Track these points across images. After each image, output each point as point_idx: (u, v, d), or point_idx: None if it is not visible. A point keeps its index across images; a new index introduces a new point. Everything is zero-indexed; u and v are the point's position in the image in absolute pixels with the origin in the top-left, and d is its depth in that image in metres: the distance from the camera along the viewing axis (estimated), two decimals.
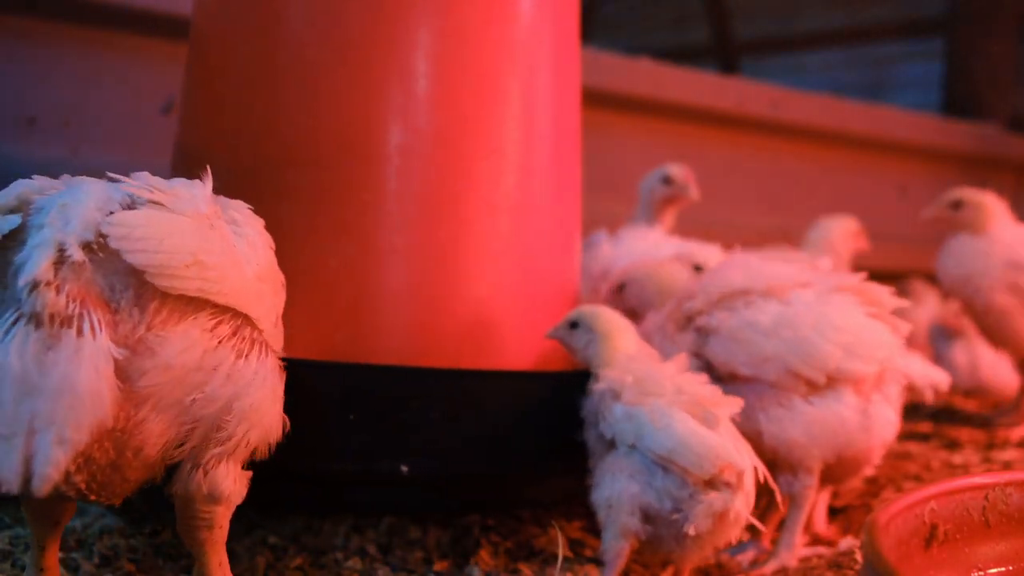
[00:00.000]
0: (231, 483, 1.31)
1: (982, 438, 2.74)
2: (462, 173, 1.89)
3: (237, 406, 1.27)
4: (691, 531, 1.52)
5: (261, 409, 1.31)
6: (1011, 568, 1.32)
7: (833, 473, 1.88)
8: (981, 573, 1.31)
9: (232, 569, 1.41)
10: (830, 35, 7.09)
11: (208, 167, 1.38)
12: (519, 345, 1.97)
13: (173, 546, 1.71)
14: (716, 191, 4.15)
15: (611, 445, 1.62)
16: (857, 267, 2.31)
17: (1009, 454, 2.55)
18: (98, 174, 1.30)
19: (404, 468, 1.70)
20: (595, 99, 3.42)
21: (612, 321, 1.77)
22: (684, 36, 7.54)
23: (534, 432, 1.81)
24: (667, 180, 2.74)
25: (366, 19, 1.84)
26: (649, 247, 2.52)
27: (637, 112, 3.87)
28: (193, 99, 2.01)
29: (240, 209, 1.40)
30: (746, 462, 1.56)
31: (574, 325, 1.79)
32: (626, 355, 1.72)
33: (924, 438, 2.72)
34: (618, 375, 1.67)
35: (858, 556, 1.78)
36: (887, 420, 1.86)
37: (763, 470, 1.60)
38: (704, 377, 1.71)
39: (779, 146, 4.39)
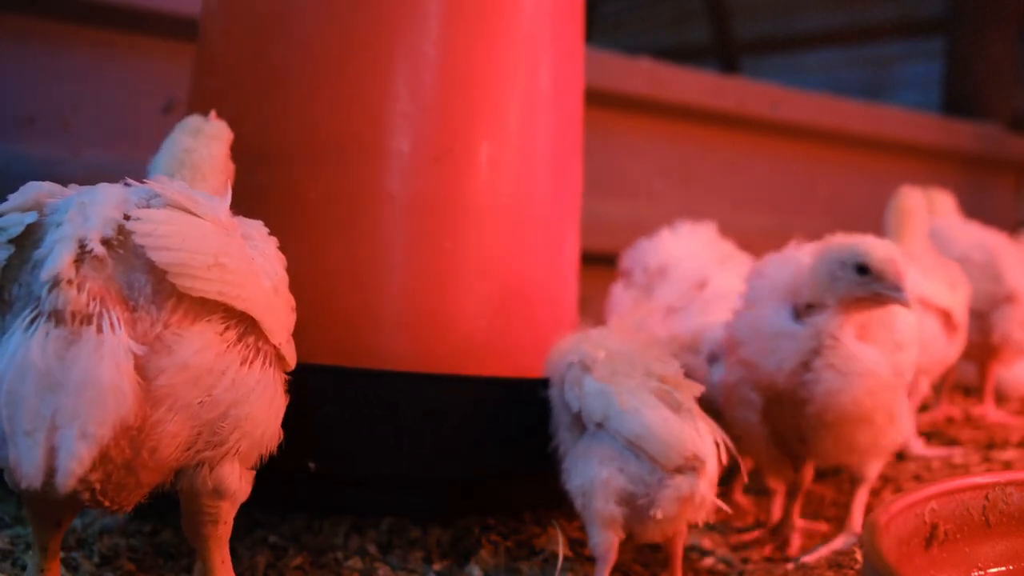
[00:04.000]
0: (236, 480, 1.31)
1: (982, 438, 2.73)
2: (463, 175, 1.89)
3: (234, 413, 1.26)
4: (659, 515, 1.53)
5: (256, 419, 1.30)
6: (1012, 568, 1.32)
7: None
8: (982, 573, 1.31)
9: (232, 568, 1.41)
10: (830, 35, 7.08)
11: (229, 184, 1.38)
12: (514, 352, 1.97)
13: (173, 546, 1.71)
14: (716, 191, 4.16)
15: (580, 426, 1.62)
16: None
17: (1009, 454, 2.55)
18: (98, 174, 1.30)
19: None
20: (595, 99, 3.42)
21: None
22: (684, 36, 7.53)
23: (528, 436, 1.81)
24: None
25: (372, 24, 1.85)
26: (702, 247, 2.48)
27: (637, 112, 3.87)
28: (199, 96, 2.02)
29: (256, 227, 1.40)
30: (709, 447, 1.56)
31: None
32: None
33: (925, 438, 2.71)
34: (591, 348, 1.68)
35: (858, 556, 1.78)
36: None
37: (730, 445, 1.60)
38: (668, 352, 1.71)
39: (779, 146, 4.38)
